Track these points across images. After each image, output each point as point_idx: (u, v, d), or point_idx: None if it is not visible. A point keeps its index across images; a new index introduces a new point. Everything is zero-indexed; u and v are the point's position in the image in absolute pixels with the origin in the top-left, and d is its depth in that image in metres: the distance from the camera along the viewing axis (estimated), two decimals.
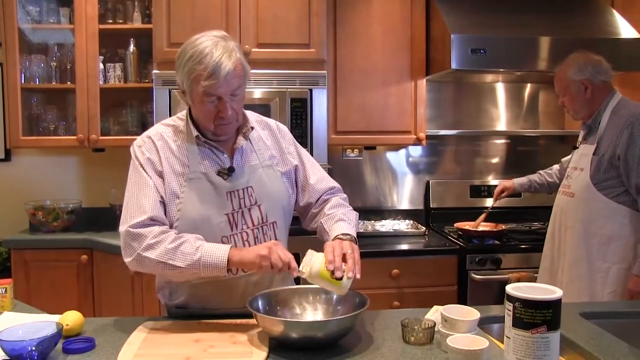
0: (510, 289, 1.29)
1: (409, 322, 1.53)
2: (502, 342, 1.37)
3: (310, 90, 2.98)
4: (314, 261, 1.54)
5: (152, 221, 1.60)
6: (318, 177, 1.89)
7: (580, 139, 2.58)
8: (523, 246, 3.03)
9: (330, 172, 3.02)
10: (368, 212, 3.60)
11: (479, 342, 1.33)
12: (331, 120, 3.22)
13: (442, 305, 1.57)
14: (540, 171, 3.05)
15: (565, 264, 2.46)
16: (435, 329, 1.52)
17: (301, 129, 2.96)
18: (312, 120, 2.98)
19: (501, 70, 3.20)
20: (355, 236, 1.71)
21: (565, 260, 2.46)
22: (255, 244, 1.70)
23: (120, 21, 3.34)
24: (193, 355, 1.42)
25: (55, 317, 1.60)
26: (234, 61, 1.58)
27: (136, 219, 1.59)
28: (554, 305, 1.24)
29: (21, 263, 3.09)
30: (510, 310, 1.28)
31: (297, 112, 2.97)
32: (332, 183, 1.92)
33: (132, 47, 3.32)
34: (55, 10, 3.34)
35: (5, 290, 1.80)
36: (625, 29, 3.12)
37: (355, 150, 3.57)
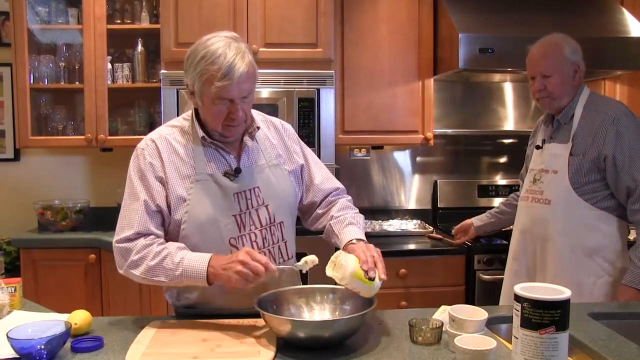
0: (518, 289, 1.29)
1: (416, 322, 1.53)
2: (510, 343, 1.37)
3: (318, 90, 2.98)
4: (347, 263, 1.54)
5: (137, 235, 1.63)
6: (323, 176, 1.89)
7: (541, 136, 2.35)
8: None
9: (337, 172, 3.04)
10: (375, 211, 3.59)
11: (487, 342, 1.33)
12: (339, 120, 3.22)
13: (450, 305, 1.56)
14: (501, 204, 2.82)
15: (544, 281, 2.11)
16: (443, 329, 1.52)
17: (308, 129, 2.96)
18: (319, 120, 2.98)
19: (509, 69, 3.19)
20: (364, 239, 1.73)
21: (544, 278, 2.18)
22: (263, 244, 1.71)
23: (128, 21, 3.35)
24: (200, 354, 1.42)
25: (64, 316, 1.61)
26: (247, 63, 1.59)
27: (124, 233, 1.65)
28: (563, 306, 1.24)
29: (30, 262, 3.10)
30: (518, 311, 1.27)
31: (305, 111, 2.97)
32: (337, 184, 1.92)
33: (139, 47, 3.34)
34: (63, 10, 3.36)
35: (15, 289, 1.81)
36: (635, 28, 3.10)
37: (363, 150, 3.57)
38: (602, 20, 3.19)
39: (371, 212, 3.58)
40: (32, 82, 3.30)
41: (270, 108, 2.92)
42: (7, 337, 1.36)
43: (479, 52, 2.95)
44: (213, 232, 1.66)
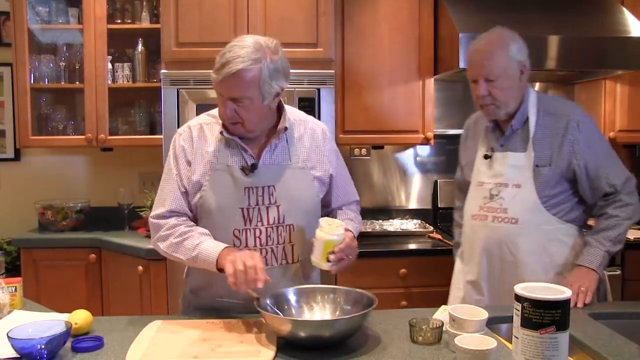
0: (518, 288, 1.29)
1: (416, 322, 1.53)
2: (511, 342, 1.37)
3: (318, 90, 2.98)
4: (337, 233, 1.65)
5: (171, 213, 1.75)
6: (347, 191, 1.95)
7: (486, 143, 2.10)
8: None
9: None
10: (376, 211, 3.59)
11: (487, 342, 1.33)
12: (339, 119, 3.22)
13: (450, 305, 1.56)
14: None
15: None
16: (443, 328, 1.52)
17: None
18: (319, 119, 2.97)
19: None
20: (355, 236, 1.83)
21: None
22: (267, 242, 1.73)
23: (129, 21, 3.36)
24: (201, 354, 1.43)
25: (64, 316, 1.61)
26: (242, 67, 1.59)
27: (157, 210, 1.76)
28: (563, 305, 1.24)
29: (30, 262, 3.11)
30: (518, 310, 1.27)
31: (305, 111, 2.90)
32: (356, 197, 2.00)
33: (140, 47, 3.34)
34: (64, 10, 3.36)
35: (15, 289, 1.82)
36: (635, 27, 3.10)
37: (363, 150, 3.57)
38: (603, 19, 3.18)
39: (371, 212, 3.58)
40: (32, 82, 3.30)
41: None
42: (8, 336, 1.36)
43: None
44: (219, 221, 1.72)
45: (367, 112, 3.26)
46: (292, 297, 1.66)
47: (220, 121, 1.77)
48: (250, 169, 1.73)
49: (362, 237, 3.24)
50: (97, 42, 3.24)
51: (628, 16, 3.17)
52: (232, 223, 1.72)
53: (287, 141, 1.79)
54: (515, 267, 1.99)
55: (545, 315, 1.23)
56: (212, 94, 2.84)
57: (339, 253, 1.65)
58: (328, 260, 1.65)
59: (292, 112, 1.86)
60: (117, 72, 3.32)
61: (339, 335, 1.47)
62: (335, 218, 1.83)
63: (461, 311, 1.50)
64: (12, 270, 3.15)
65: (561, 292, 1.26)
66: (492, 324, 1.62)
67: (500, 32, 2.02)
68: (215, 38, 2.95)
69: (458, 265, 2.23)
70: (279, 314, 1.56)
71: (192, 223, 1.76)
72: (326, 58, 3.04)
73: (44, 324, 1.46)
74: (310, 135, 1.85)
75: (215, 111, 1.82)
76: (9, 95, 3.54)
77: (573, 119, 1.97)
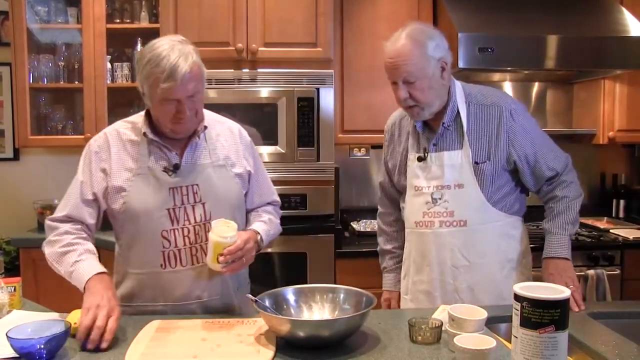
0: (518, 288, 1.29)
1: (416, 322, 1.52)
2: (510, 342, 1.37)
3: (317, 90, 2.98)
4: (227, 233, 1.65)
5: (67, 218, 1.74)
6: (267, 189, 1.98)
7: (415, 145, 1.98)
8: (531, 245, 3.00)
9: (337, 172, 3.03)
10: (374, 211, 3.57)
11: (487, 341, 1.33)
12: (338, 119, 3.22)
13: (450, 304, 1.56)
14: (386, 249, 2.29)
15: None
16: (443, 328, 1.52)
17: (308, 129, 2.95)
18: (319, 119, 2.97)
19: (509, 69, 3.19)
20: (263, 238, 1.83)
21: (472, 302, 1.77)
22: (195, 240, 1.75)
23: (128, 21, 3.36)
24: (200, 354, 1.42)
25: (63, 316, 1.61)
26: (190, 64, 1.63)
27: (58, 213, 1.75)
28: (562, 305, 1.24)
29: (29, 262, 3.10)
30: (517, 310, 1.27)
31: (304, 111, 2.96)
32: (277, 197, 2.02)
33: (139, 47, 3.34)
34: (63, 10, 3.36)
35: (14, 289, 1.82)
36: (634, 27, 3.10)
37: (362, 149, 3.57)
38: (602, 19, 3.19)
39: (371, 211, 3.57)
40: (31, 81, 3.30)
41: (269, 108, 2.91)
42: (7, 336, 1.36)
43: (479, 51, 2.94)
44: (147, 223, 1.73)
45: (367, 112, 3.26)
46: (291, 297, 1.66)
47: (138, 125, 1.80)
48: (172, 170, 1.75)
49: (362, 237, 3.26)
50: (96, 41, 3.24)
51: (627, 16, 3.17)
52: (160, 225, 1.73)
53: (205, 140, 1.81)
54: (470, 271, 1.90)
55: (545, 315, 1.23)
56: (211, 93, 2.86)
57: (228, 255, 1.65)
58: (218, 262, 1.66)
59: (208, 114, 1.88)
60: (116, 71, 3.33)
61: (338, 335, 1.47)
62: (250, 221, 1.88)
63: (460, 311, 1.50)
64: (11, 270, 3.15)
65: (560, 292, 1.26)
66: (492, 324, 1.62)
67: (414, 30, 1.85)
68: (214, 38, 2.96)
69: (401, 274, 2.11)
70: (277, 314, 1.56)
71: (86, 235, 1.75)
72: (325, 58, 3.04)
73: (43, 323, 1.46)
74: (228, 134, 1.89)
75: (132, 117, 1.86)
76: (7, 95, 3.54)
77: (505, 107, 1.90)
